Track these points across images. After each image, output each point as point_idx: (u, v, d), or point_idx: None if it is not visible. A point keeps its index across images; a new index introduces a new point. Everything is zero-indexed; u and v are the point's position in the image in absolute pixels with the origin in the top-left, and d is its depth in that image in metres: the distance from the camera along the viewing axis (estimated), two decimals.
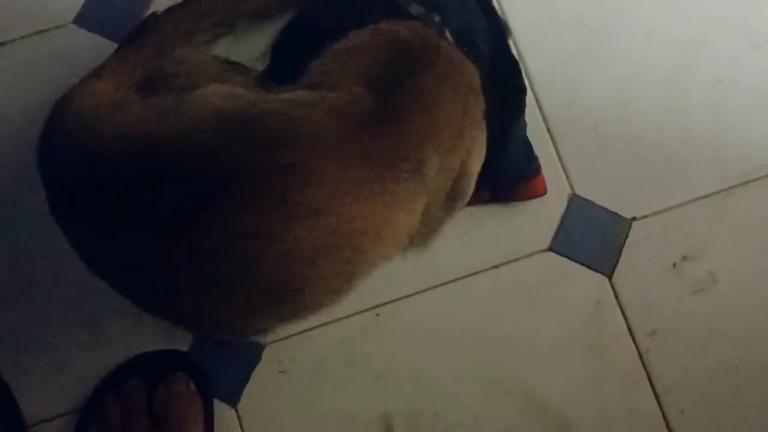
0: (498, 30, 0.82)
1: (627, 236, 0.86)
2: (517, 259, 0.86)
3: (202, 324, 0.71)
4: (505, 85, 0.80)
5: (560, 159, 0.88)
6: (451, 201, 0.73)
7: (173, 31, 0.79)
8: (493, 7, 0.83)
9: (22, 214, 0.85)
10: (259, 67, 0.84)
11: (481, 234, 0.86)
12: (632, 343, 0.84)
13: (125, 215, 0.63)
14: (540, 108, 0.89)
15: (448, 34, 0.72)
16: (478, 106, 0.71)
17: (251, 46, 0.86)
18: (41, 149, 0.70)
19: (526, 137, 0.86)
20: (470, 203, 0.82)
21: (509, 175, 0.84)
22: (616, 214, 0.87)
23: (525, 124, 0.86)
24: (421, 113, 0.66)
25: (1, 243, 0.85)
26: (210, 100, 0.64)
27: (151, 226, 0.62)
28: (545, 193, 0.86)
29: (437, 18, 0.72)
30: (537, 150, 0.86)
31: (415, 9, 0.73)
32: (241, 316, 0.67)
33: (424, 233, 0.72)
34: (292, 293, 0.64)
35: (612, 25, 0.92)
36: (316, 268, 0.63)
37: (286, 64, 0.80)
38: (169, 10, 0.81)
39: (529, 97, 0.88)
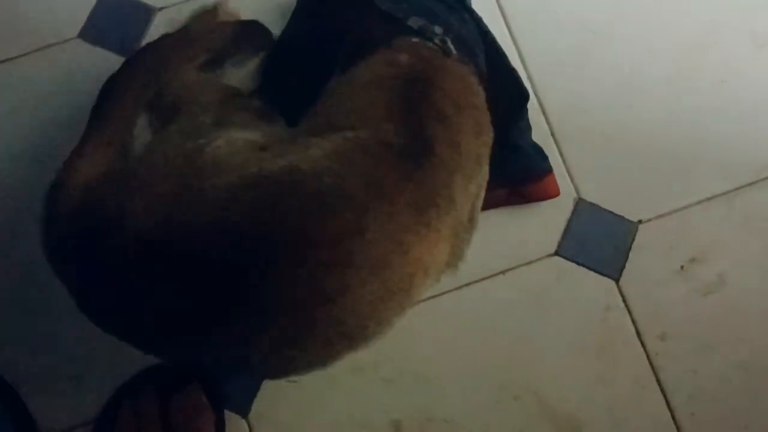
0: (490, 41, 0.82)
1: (633, 239, 0.86)
2: (524, 265, 0.86)
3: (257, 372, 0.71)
4: (506, 93, 0.79)
5: (565, 163, 0.88)
6: (471, 221, 0.73)
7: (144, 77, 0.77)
8: (481, 19, 0.82)
9: (31, 225, 0.85)
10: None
11: (488, 240, 0.86)
12: (641, 347, 0.84)
13: (172, 302, 0.60)
14: (544, 112, 0.90)
15: (450, 45, 0.71)
16: (488, 126, 0.71)
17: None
18: (50, 251, 0.67)
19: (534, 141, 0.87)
20: (488, 206, 0.82)
21: (524, 173, 0.85)
22: (622, 217, 0.87)
23: (530, 128, 0.87)
24: (446, 145, 0.65)
25: (16, 255, 0.85)
26: (235, 171, 0.61)
27: (205, 305, 0.59)
28: (558, 193, 0.86)
29: (438, 30, 0.71)
30: None
31: (414, 22, 0.72)
32: (298, 365, 0.65)
33: (455, 256, 0.72)
34: (351, 339, 0.63)
35: (613, 28, 0.92)
36: (374, 317, 0.63)
37: (279, 84, 0.79)
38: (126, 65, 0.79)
39: (533, 102, 0.88)
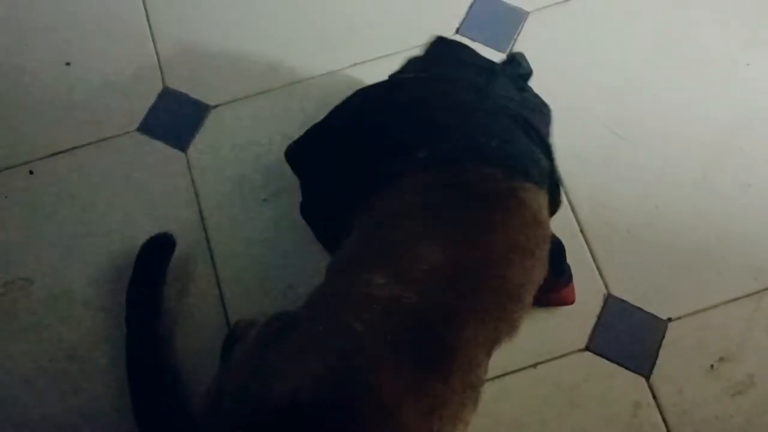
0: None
1: (663, 337, 0.88)
2: (555, 359, 0.87)
3: None
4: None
5: (595, 260, 0.91)
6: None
7: None
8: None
9: (78, 308, 0.90)
10: None
11: (519, 333, 0.88)
12: None
13: None
14: (573, 211, 0.93)
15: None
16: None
17: None
18: None
19: (560, 242, 0.88)
20: None
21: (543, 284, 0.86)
22: (651, 314, 0.88)
23: None
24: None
25: (61, 335, 0.89)
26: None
27: None
28: (573, 302, 0.88)
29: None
30: (571, 251, 0.88)
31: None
32: None
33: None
34: None
35: (641, 131, 0.97)
36: None
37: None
38: None
39: (563, 201, 0.92)
